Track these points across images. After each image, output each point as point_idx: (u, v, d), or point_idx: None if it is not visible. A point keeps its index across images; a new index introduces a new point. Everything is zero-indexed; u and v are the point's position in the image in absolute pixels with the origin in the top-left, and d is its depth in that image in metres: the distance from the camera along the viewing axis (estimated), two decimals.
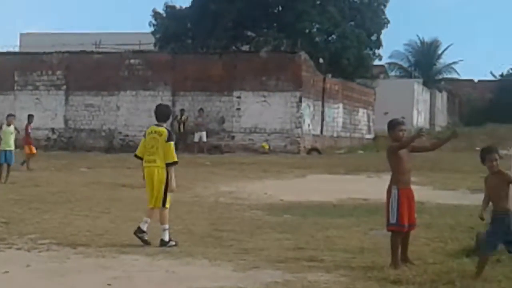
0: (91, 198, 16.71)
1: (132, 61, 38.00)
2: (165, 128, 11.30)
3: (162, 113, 11.58)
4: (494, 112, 67.91)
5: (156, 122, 11.45)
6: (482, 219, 8.90)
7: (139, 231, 10.99)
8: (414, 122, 58.29)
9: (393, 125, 9.72)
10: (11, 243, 10.90)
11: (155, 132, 11.20)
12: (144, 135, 11.45)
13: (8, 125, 21.82)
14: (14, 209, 14.82)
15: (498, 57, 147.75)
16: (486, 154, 8.75)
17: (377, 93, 50.87)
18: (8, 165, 21.06)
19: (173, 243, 10.90)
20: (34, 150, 25.52)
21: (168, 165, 11.05)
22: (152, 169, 11.09)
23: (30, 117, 26.76)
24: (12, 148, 21.40)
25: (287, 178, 23.62)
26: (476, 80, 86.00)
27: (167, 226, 11.02)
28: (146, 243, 10.89)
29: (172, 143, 11.11)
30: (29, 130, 26.10)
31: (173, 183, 11.06)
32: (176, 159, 11.10)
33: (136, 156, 11.44)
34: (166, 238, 10.94)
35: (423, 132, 10.01)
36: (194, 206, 16.00)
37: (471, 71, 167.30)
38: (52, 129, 38.17)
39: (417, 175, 23.39)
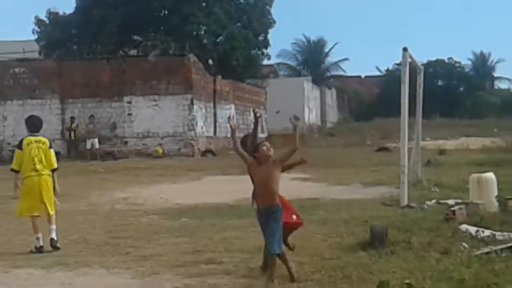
0: None
1: (17, 69, 37.08)
2: (43, 136, 11.73)
3: (36, 125, 11.91)
4: (381, 106, 69.75)
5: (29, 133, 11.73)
6: None
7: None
8: (306, 119, 59.17)
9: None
10: None
11: (37, 141, 11.56)
12: (20, 147, 11.61)
13: None
14: None
15: (383, 53, 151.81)
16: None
17: (268, 93, 51.36)
18: None
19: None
20: None
21: (52, 171, 11.57)
22: (43, 178, 11.46)
23: None
24: None
25: (182, 181, 23.55)
26: (363, 76, 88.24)
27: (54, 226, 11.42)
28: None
29: (52, 150, 11.68)
30: None
31: (57, 187, 11.66)
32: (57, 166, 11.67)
33: (13, 170, 11.59)
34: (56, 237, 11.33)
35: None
36: (89, 214, 15.72)
37: (358, 67, 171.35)
38: None
39: (312, 171, 23.82)
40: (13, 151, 34.11)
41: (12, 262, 10.28)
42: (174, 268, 9.44)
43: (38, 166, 11.39)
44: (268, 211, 8.40)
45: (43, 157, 11.45)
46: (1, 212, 16.37)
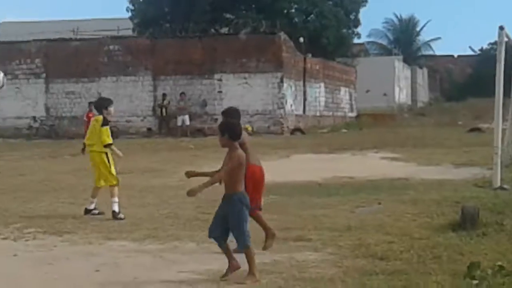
0: (76, 185, 16.61)
1: (111, 47, 37.81)
2: (103, 116, 12.59)
3: (99, 105, 13.04)
4: (474, 86, 68.28)
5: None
6: None
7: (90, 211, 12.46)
8: (396, 98, 58.47)
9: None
10: None
11: (95, 120, 12.77)
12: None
13: None
14: None
15: (477, 32, 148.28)
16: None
17: (358, 72, 50.91)
18: None
19: (122, 216, 12.07)
20: None
21: (105, 147, 12.47)
22: (93, 154, 12.62)
23: (90, 104, 27.30)
24: None
25: (271, 159, 23.54)
26: (456, 56, 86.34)
27: (117, 199, 12.29)
28: (100, 213, 12.40)
29: (106, 127, 12.47)
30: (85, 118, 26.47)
31: (118, 153, 12.62)
32: (110, 142, 12.50)
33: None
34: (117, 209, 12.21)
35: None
36: (180, 189, 15.87)
37: (451, 46, 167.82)
38: (34, 118, 37.99)
39: (402, 151, 23.59)
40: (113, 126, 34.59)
41: (105, 235, 10.56)
42: (260, 244, 9.50)
43: (90, 142, 12.68)
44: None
45: (94, 134, 12.57)
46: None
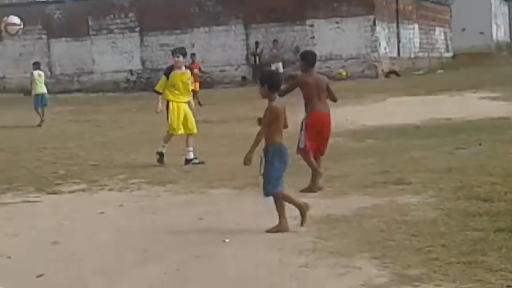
0: (174, 136, 16.84)
1: None
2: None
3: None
4: None
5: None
6: None
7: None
8: (494, 36, 56.82)
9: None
10: (103, 184, 11.19)
11: None
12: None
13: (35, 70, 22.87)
14: (102, 151, 15.17)
15: None
16: None
17: (452, 10, 49.62)
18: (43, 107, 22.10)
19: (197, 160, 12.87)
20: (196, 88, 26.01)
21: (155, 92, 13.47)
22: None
23: (193, 55, 27.95)
24: (45, 91, 22.56)
25: (367, 103, 23.42)
26: None
27: (191, 148, 13.04)
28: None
29: (164, 77, 13.16)
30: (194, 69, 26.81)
31: (157, 106, 13.23)
32: (158, 90, 13.22)
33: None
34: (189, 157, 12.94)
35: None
36: None
37: None
38: (131, 71, 38.62)
39: (501, 90, 23.04)
40: (200, 77, 34.67)
41: (206, 183, 10.75)
42: (362, 189, 9.51)
43: None
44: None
45: None
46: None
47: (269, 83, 8.03)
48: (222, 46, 36.85)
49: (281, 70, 35.10)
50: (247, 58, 37.05)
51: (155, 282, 6.31)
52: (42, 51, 39.26)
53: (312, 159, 9.86)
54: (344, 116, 19.42)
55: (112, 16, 39.02)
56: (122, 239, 7.85)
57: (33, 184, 11.39)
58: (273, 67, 35.13)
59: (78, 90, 38.15)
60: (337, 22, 35.75)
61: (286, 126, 8.14)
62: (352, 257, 6.52)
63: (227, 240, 7.44)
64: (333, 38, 35.61)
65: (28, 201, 10.12)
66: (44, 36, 39.42)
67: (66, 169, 12.81)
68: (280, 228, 7.71)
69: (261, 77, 8.29)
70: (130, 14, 38.79)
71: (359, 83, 31.95)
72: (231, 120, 20.02)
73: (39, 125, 21.24)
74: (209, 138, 16.17)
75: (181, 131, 13.08)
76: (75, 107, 26.56)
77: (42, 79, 22.70)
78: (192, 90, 13.78)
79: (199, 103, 25.16)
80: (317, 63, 11.01)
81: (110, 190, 10.67)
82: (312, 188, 9.66)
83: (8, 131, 20.34)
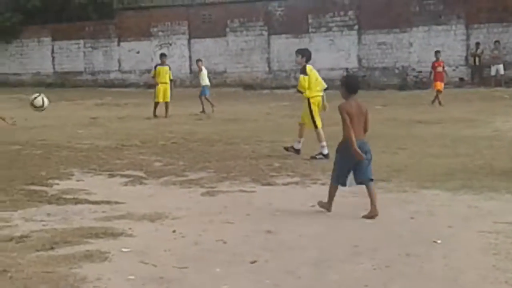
0: (387, 134, 16.83)
1: None
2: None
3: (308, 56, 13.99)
4: None
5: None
6: None
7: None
8: None
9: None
10: (315, 178, 11.43)
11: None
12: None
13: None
14: (315, 146, 15.38)
15: None
16: None
17: None
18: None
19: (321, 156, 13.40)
20: (440, 87, 25.86)
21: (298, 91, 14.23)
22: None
23: (437, 53, 27.61)
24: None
25: None
26: None
27: (324, 144, 13.55)
28: (297, 152, 13.80)
29: (301, 75, 13.79)
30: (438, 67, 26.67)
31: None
32: (299, 89, 14.00)
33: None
34: (325, 152, 13.41)
35: None
36: (494, 140, 15.57)
37: None
38: (346, 69, 38.85)
39: None
40: (416, 77, 34.22)
41: (419, 183, 10.66)
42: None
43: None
44: None
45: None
46: (407, 135, 16.92)
47: (346, 85, 8.76)
48: (441, 46, 36.04)
49: (501, 72, 33.97)
50: (466, 59, 36.10)
51: (364, 276, 6.38)
52: (262, 47, 40.47)
53: None
54: None
55: (331, 14, 39.40)
56: (333, 233, 7.99)
57: (249, 174, 11.83)
58: (493, 69, 34.08)
59: (294, 87, 38.89)
60: None
61: (365, 130, 8.77)
62: None
63: (438, 241, 7.37)
64: None
65: (244, 191, 10.52)
66: (264, 32, 40.56)
67: (281, 161, 13.18)
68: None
69: (341, 79, 9.12)
70: (350, 12, 38.97)
71: None
72: (445, 121, 19.68)
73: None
74: (423, 139, 16.03)
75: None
76: (290, 103, 27.08)
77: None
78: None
79: (439, 103, 24.81)
80: None
81: (323, 184, 10.84)
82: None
83: (229, 124, 21.20)
